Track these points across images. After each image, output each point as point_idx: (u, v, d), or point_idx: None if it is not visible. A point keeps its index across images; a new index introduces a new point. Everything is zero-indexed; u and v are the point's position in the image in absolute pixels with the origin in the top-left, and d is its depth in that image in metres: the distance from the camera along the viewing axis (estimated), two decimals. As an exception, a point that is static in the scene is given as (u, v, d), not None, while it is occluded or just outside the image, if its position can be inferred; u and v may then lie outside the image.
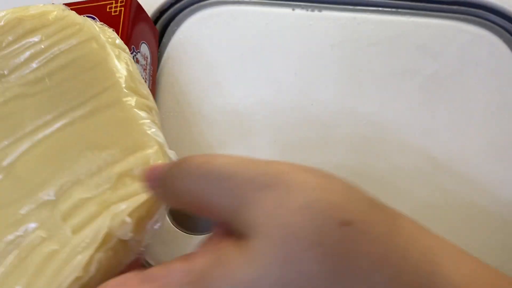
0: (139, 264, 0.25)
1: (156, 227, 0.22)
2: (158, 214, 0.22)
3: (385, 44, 0.34)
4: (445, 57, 0.36)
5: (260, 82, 0.37)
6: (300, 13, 0.39)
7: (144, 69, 0.34)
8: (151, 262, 0.31)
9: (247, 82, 0.37)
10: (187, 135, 0.35)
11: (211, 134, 0.35)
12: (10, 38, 0.27)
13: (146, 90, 0.26)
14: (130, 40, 0.32)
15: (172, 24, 0.40)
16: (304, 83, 0.36)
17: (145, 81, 0.34)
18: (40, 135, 0.24)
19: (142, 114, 0.24)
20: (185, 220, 0.33)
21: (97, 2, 0.33)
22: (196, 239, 0.32)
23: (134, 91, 0.25)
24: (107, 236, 0.20)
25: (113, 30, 0.28)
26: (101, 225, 0.20)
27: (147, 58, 0.35)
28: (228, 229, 0.17)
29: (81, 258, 0.19)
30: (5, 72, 0.26)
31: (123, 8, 0.33)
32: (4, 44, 0.26)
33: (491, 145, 0.29)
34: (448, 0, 0.38)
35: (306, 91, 0.36)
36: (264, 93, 0.36)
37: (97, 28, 0.27)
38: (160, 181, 0.19)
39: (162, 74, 0.38)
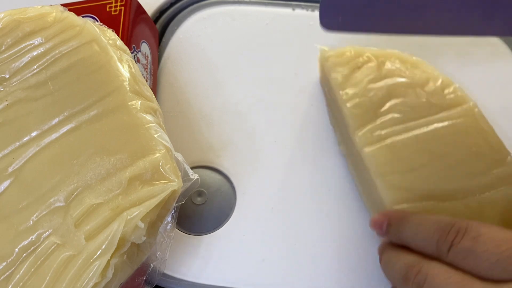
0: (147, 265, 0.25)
1: (168, 228, 0.22)
2: (169, 216, 0.22)
3: (385, 44, 0.34)
4: (445, 57, 0.37)
5: (260, 82, 0.37)
6: (300, 13, 0.39)
7: (145, 68, 0.34)
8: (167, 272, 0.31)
9: (247, 82, 0.37)
10: (187, 135, 0.35)
11: (211, 134, 0.35)
12: (9, 41, 0.26)
13: (149, 92, 0.26)
14: (131, 39, 0.32)
15: (172, 24, 0.39)
16: (304, 83, 0.36)
17: (147, 80, 0.34)
18: (46, 139, 0.23)
19: (148, 117, 0.24)
20: (185, 221, 0.33)
21: (97, 2, 0.32)
22: (196, 239, 0.32)
23: (139, 94, 0.25)
24: (122, 241, 0.20)
25: (113, 30, 0.28)
26: (115, 231, 0.20)
27: (147, 57, 0.35)
28: None
29: (99, 264, 0.20)
30: (6, 76, 0.26)
31: (123, 8, 0.32)
32: (3, 47, 0.26)
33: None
34: (448, 0, 0.39)
35: (306, 91, 0.36)
36: (264, 93, 0.36)
37: (97, 30, 0.26)
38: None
39: (162, 74, 0.37)
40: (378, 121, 0.30)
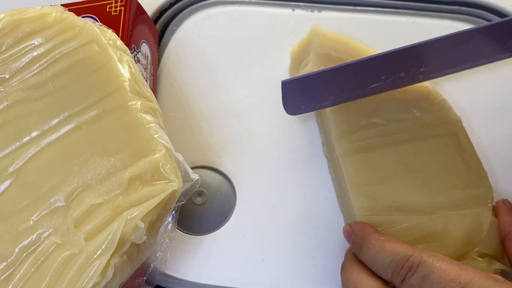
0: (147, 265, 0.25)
1: (168, 228, 0.22)
2: (169, 217, 0.23)
3: (385, 45, 0.34)
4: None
5: (259, 82, 0.37)
6: (300, 14, 0.39)
7: (145, 68, 0.34)
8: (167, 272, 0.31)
9: (246, 82, 0.37)
10: (187, 135, 0.35)
11: (211, 134, 0.35)
12: (9, 41, 0.26)
13: (149, 92, 0.26)
14: (130, 39, 0.32)
15: (172, 24, 0.39)
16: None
17: (147, 81, 0.34)
18: (46, 140, 0.23)
19: (148, 117, 0.24)
20: (185, 221, 0.33)
21: (97, 2, 0.32)
22: (196, 239, 0.32)
23: (139, 94, 0.25)
24: (122, 241, 0.20)
25: (113, 31, 0.28)
26: (115, 231, 0.20)
27: (147, 57, 0.35)
28: None
29: (99, 264, 0.20)
30: (7, 76, 0.26)
31: (123, 8, 0.32)
32: (3, 48, 0.26)
33: (493, 147, 0.29)
34: (448, 0, 0.39)
35: (306, 90, 0.36)
36: (264, 93, 0.36)
37: (98, 30, 0.26)
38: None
39: (162, 74, 0.37)
40: (361, 131, 0.30)
